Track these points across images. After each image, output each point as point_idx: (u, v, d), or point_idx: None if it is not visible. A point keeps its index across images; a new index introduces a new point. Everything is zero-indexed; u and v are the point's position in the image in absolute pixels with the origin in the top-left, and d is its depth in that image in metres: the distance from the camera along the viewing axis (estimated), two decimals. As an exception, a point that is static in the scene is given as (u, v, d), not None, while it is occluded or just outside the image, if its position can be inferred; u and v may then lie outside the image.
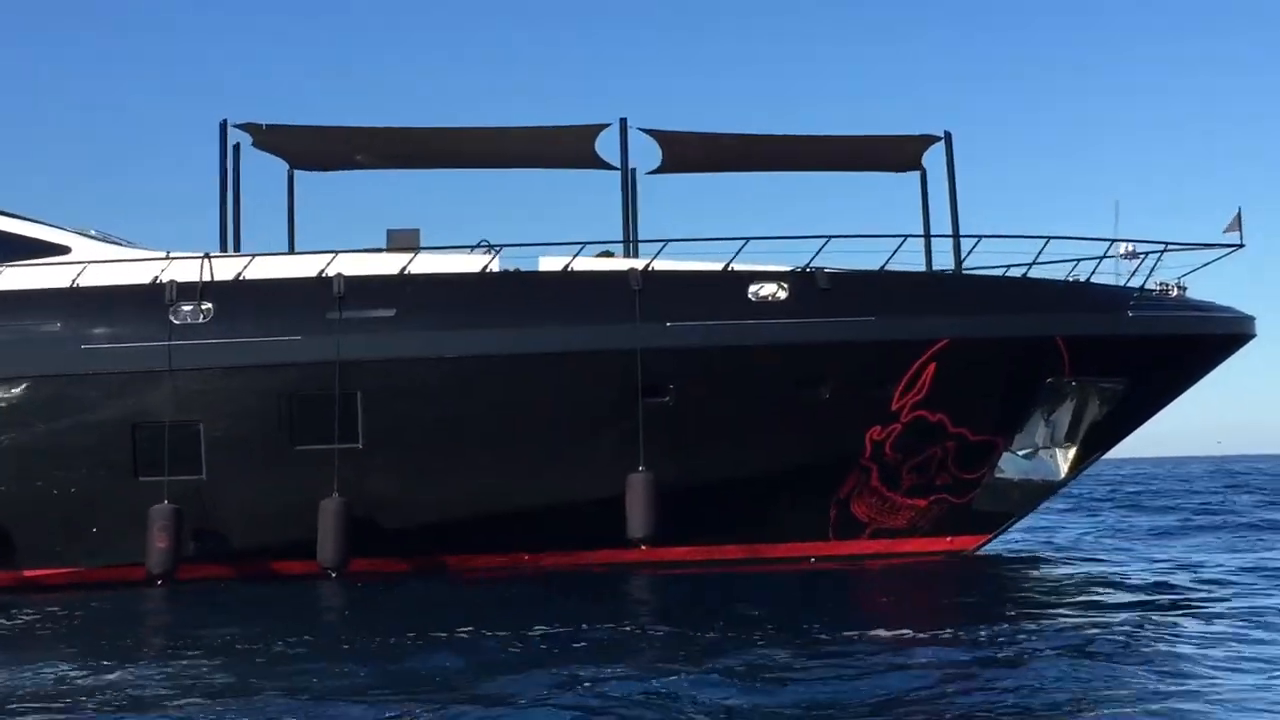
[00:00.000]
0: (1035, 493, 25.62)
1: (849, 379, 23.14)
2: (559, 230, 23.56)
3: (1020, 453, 25.16)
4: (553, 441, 22.57)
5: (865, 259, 23.62)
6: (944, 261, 25.10)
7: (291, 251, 25.26)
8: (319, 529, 22.11)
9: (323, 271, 22.71)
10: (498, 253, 23.25)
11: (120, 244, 24.34)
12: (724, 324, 22.76)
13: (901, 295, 23.38)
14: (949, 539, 25.02)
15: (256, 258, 23.13)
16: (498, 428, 22.49)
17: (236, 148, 25.59)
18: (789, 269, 23.26)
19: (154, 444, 22.33)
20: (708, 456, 22.97)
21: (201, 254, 22.95)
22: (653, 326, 22.58)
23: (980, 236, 24.07)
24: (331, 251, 23.05)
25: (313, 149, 26.28)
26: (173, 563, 21.99)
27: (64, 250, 23.44)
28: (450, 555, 23.06)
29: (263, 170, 25.82)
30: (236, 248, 25.26)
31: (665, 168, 26.63)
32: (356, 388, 22.34)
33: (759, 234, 23.05)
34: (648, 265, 23.10)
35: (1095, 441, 25.54)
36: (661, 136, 25.56)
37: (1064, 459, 25.52)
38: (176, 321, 22.40)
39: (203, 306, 22.46)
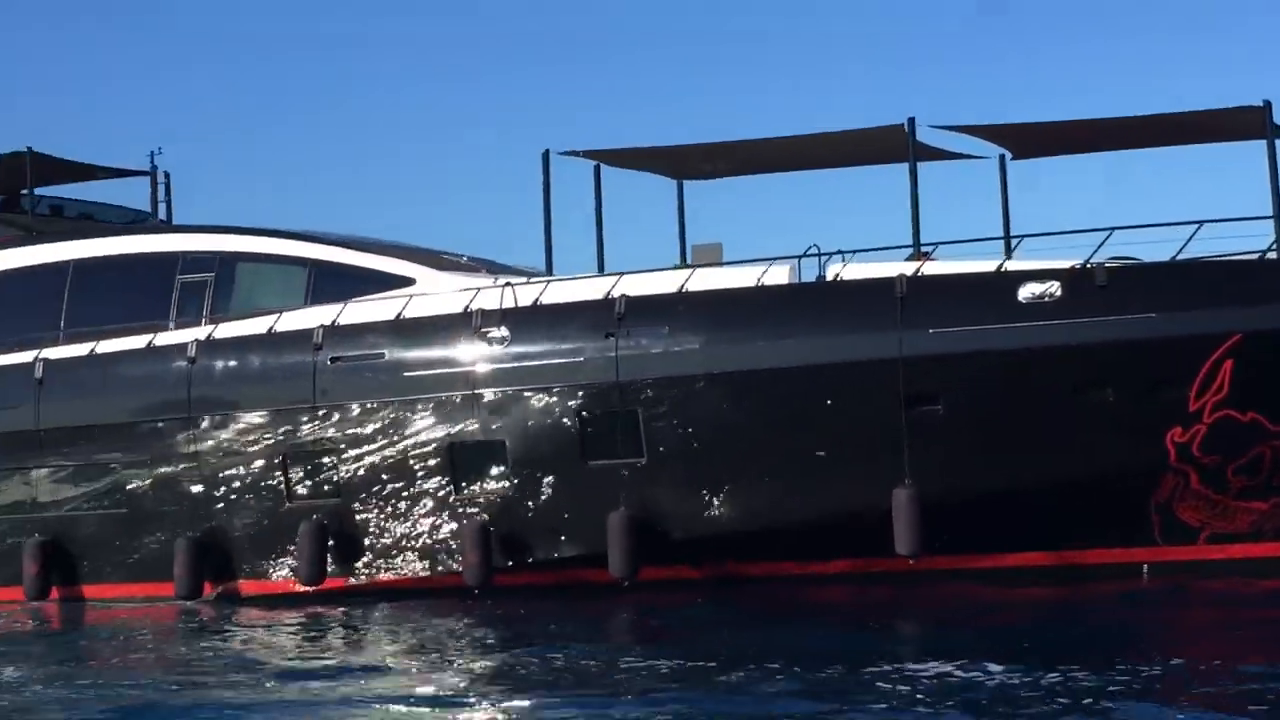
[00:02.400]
0: None
1: (1134, 381, 21.72)
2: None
3: (1383, 447, 22.63)
4: (820, 454, 22.54)
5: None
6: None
7: (682, 264, 26.35)
8: (608, 541, 23.12)
9: (609, 292, 23.63)
10: (816, 257, 23.42)
11: (475, 270, 26.15)
12: (990, 329, 21.93)
13: (1188, 288, 21.66)
14: None
15: (553, 282, 24.34)
16: (765, 441, 22.69)
17: (597, 168, 27.10)
18: (1068, 265, 22.10)
19: (467, 462, 24.06)
20: (988, 465, 22.21)
21: (504, 282, 24.41)
22: (915, 334, 22.09)
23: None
24: (617, 273, 23.96)
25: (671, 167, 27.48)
26: (486, 573, 23.64)
27: (409, 282, 25.49)
28: (731, 564, 23.49)
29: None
30: (600, 265, 26.71)
31: (1019, 155, 26.19)
32: (636, 404, 23.16)
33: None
34: (917, 270, 22.58)
35: None
36: (990, 131, 25.03)
37: None
38: (482, 347, 23.95)
39: (502, 332, 23.89)
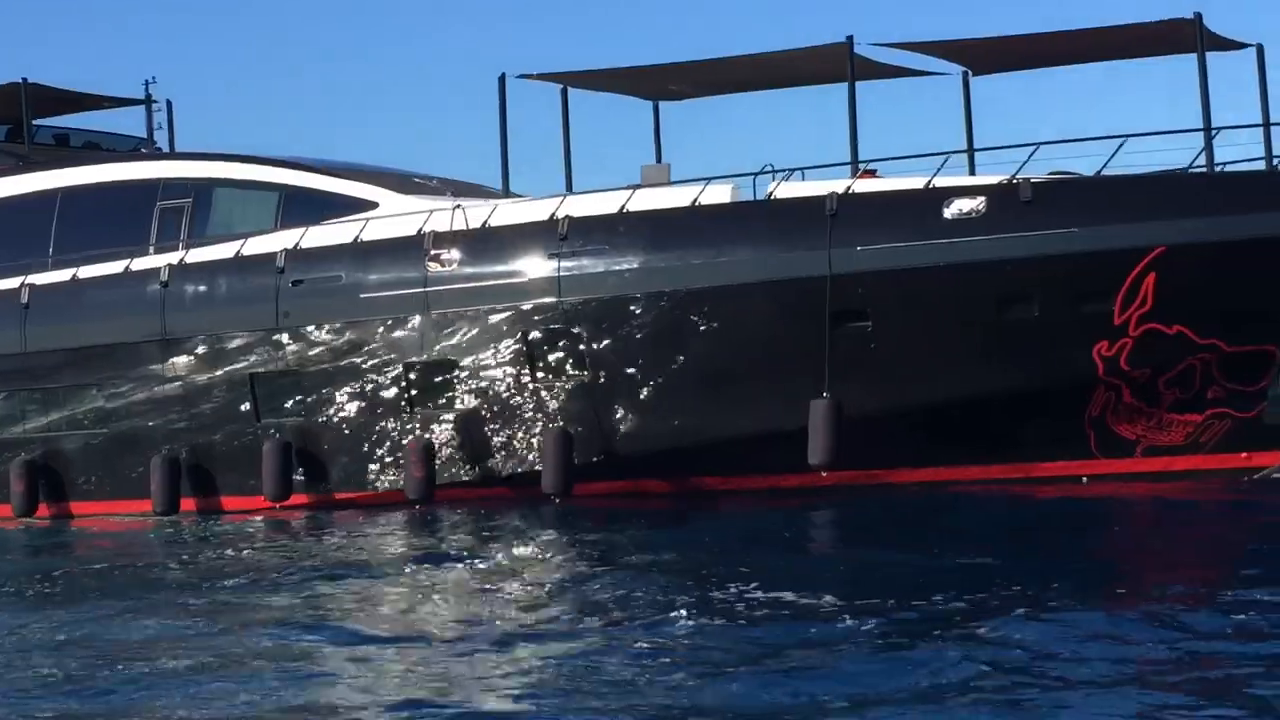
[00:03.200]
0: (1347, 403, 22.96)
1: (1058, 295, 21.85)
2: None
3: (1317, 360, 22.61)
4: (753, 371, 22.88)
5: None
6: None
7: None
8: (543, 457, 23.67)
9: (554, 213, 24.03)
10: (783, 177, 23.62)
11: (440, 192, 26.63)
12: (914, 245, 22.12)
13: (1110, 202, 21.71)
14: (1245, 455, 23.01)
15: (503, 203, 24.78)
16: (702, 359, 23.07)
17: (564, 91, 27.39)
18: (994, 181, 22.22)
19: (417, 380, 24.68)
20: (916, 380, 22.45)
21: (454, 204, 24.87)
22: (843, 251, 22.32)
23: (1220, 128, 21.90)
24: (561, 194, 24.35)
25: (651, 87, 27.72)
26: (428, 489, 24.27)
27: (372, 205, 26.02)
28: (664, 479, 23.96)
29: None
30: (568, 187, 27.03)
31: (980, 71, 26.20)
32: (578, 323, 23.62)
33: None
34: (848, 188, 22.78)
35: None
36: (938, 47, 25.10)
37: (1378, 364, 22.67)
38: (433, 268, 24.47)
39: (452, 254, 24.40)
